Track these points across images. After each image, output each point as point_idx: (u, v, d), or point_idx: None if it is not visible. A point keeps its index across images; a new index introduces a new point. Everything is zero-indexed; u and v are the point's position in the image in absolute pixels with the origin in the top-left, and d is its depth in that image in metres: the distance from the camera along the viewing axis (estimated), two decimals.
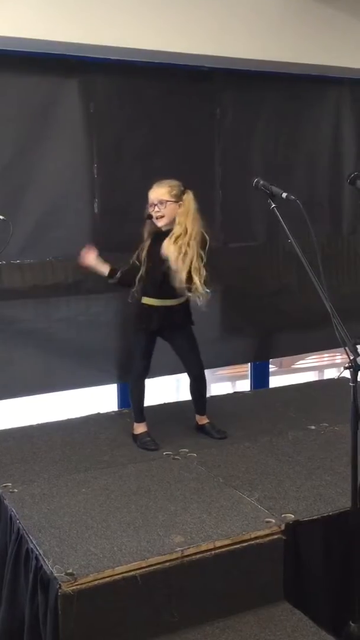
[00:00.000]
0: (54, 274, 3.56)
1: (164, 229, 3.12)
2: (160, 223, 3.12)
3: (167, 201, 3.08)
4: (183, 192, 3.11)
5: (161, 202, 3.08)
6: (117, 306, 3.76)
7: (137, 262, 3.18)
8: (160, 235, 3.13)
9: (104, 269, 3.22)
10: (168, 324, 3.21)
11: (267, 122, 4.08)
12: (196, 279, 3.03)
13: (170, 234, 3.07)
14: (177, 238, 3.05)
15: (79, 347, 3.71)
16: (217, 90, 3.92)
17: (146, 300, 3.19)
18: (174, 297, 3.16)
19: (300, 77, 4.07)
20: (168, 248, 3.04)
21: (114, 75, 3.60)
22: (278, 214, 2.59)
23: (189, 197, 3.11)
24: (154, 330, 3.23)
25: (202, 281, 3.05)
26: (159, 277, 3.11)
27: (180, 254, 3.03)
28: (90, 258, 3.22)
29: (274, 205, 2.62)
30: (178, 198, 3.09)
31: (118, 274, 3.19)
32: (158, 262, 3.10)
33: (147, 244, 3.18)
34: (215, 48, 3.57)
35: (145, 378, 3.32)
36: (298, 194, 2.56)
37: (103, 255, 3.63)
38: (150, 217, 3.12)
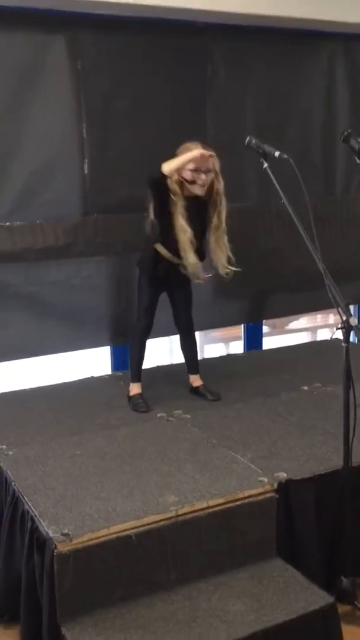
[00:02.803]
0: (44, 237, 3.51)
1: (188, 193, 3.07)
2: (200, 192, 3.06)
3: (211, 171, 3.04)
4: (217, 162, 3.07)
5: (209, 171, 3.03)
6: (109, 269, 3.74)
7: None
8: (194, 201, 3.07)
9: None
10: (173, 277, 3.20)
11: (259, 79, 3.99)
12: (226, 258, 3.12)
13: (221, 217, 3.09)
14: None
15: (71, 310, 3.70)
16: (208, 47, 3.81)
17: (161, 249, 3.15)
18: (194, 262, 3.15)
19: (293, 32, 3.96)
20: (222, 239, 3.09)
21: (102, 31, 3.50)
22: (270, 173, 2.55)
23: (219, 166, 3.08)
24: (159, 278, 3.20)
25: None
26: (190, 243, 3.07)
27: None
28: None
29: (266, 165, 2.58)
30: (215, 168, 3.07)
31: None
32: (195, 231, 3.07)
33: (182, 207, 3.05)
34: (207, 2, 3.46)
35: (146, 337, 3.33)
36: (291, 153, 2.52)
37: (93, 217, 3.61)
38: (188, 181, 3.03)
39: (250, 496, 2.42)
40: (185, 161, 2.98)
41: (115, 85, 3.59)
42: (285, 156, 2.50)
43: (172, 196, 3.03)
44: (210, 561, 2.35)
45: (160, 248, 3.16)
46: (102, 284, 3.75)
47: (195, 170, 3.02)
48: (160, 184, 3.01)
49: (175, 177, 3.03)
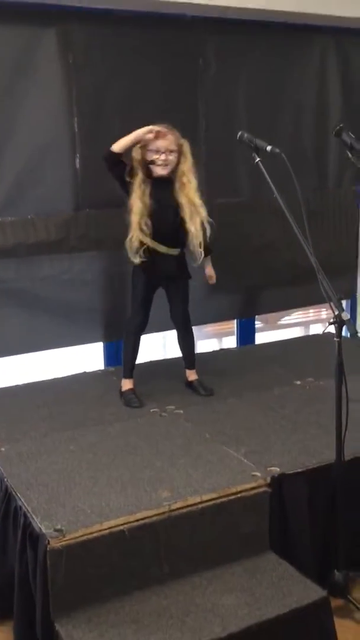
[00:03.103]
0: (35, 232, 3.50)
1: (159, 176, 3.06)
2: (164, 171, 3.06)
3: (175, 151, 3.04)
4: (182, 142, 3.08)
5: (171, 151, 3.03)
6: (101, 264, 3.73)
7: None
8: (159, 182, 3.07)
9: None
10: (165, 268, 3.18)
11: (251, 72, 3.98)
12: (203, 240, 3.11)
13: (191, 195, 3.05)
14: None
15: (64, 305, 3.69)
16: (200, 41, 3.80)
17: (149, 241, 3.12)
18: (175, 247, 3.16)
19: (285, 26, 3.95)
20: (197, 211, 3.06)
21: (93, 24, 3.48)
22: (262, 168, 2.55)
23: (187, 147, 3.09)
24: (150, 270, 3.18)
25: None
26: (167, 226, 3.08)
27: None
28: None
29: (258, 159, 2.58)
30: (181, 147, 3.07)
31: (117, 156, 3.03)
32: (166, 212, 3.07)
33: (146, 185, 3.06)
34: None
35: (141, 333, 3.32)
36: (283, 147, 2.52)
37: (85, 212, 3.60)
38: (151, 162, 3.04)
39: (243, 491, 2.42)
40: (133, 138, 2.99)
41: (106, 79, 3.57)
42: (277, 150, 2.49)
43: (127, 177, 3.04)
44: (204, 556, 2.35)
45: (137, 233, 3.10)
46: (95, 279, 3.74)
47: (156, 151, 3.03)
48: (112, 162, 3.03)
49: (138, 157, 3.04)
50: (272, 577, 2.30)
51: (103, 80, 3.57)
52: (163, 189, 3.07)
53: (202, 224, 3.12)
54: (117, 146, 3.00)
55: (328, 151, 4.30)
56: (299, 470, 2.55)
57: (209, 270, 3.39)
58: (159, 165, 3.05)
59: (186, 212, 3.08)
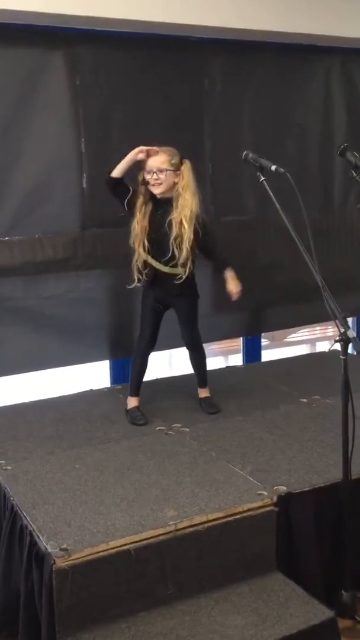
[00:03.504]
0: (43, 251, 3.53)
1: (159, 196, 3.09)
2: (157, 190, 3.07)
3: (167, 170, 3.04)
4: (181, 162, 3.09)
5: (161, 171, 3.04)
6: (108, 282, 3.74)
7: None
8: (161, 203, 3.10)
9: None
10: (173, 289, 3.17)
11: (256, 93, 4.02)
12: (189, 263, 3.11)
13: (183, 214, 3.04)
14: (190, 219, 3.05)
15: (70, 324, 3.70)
16: (205, 61, 3.85)
17: (152, 262, 3.14)
18: (167, 264, 3.13)
19: (289, 46, 4.00)
20: (185, 231, 3.04)
21: (100, 47, 3.53)
22: (267, 187, 2.56)
23: (187, 167, 3.09)
24: (160, 297, 3.21)
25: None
26: (166, 247, 3.08)
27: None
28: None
29: (263, 179, 2.60)
30: (177, 167, 3.07)
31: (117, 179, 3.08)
32: (159, 228, 3.09)
33: (146, 207, 3.11)
34: (203, 17, 3.50)
35: (149, 352, 3.32)
36: (288, 166, 2.54)
37: (92, 230, 3.63)
38: (146, 183, 3.07)
39: (249, 510, 2.41)
40: (127, 160, 3.04)
41: (113, 100, 3.62)
42: (282, 170, 2.51)
43: (126, 206, 3.09)
44: (210, 575, 2.34)
45: (153, 262, 3.13)
46: (101, 297, 3.76)
47: (148, 171, 3.06)
48: (111, 186, 3.09)
49: (140, 178, 3.09)
50: (279, 598, 2.28)
51: (110, 101, 3.61)
52: (164, 210, 3.09)
53: (194, 242, 3.08)
54: (115, 171, 3.05)
55: (333, 170, 4.32)
56: (306, 489, 2.54)
57: (229, 285, 3.23)
58: (152, 185, 3.07)
59: (173, 232, 3.06)
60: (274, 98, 4.08)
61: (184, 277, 3.12)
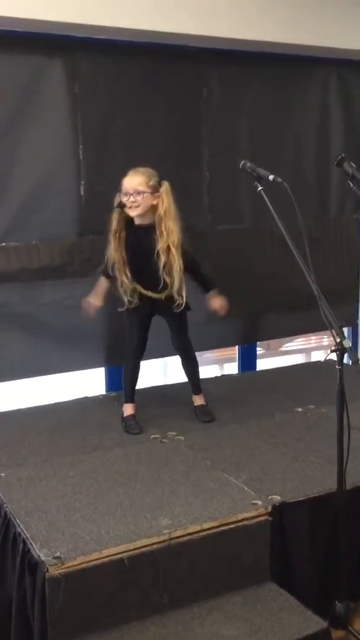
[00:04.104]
0: (39, 257, 3.53)
1: (137, 220, 3.05)
2: (133, 213, 3.01)
3: (144, 192, 2.97)
4: (160, 183, 3.02)
5: (138, 193, 2.96)
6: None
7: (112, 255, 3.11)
8: (137, 228, 3.06)
9: (101, 292, 3.23)
10: (162, 307, 3.18)
11: (254, 103, 4.04)
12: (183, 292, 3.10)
13: (170, 241, 3.00)
14: (177, 246, 3.01)
15: (66, 330, 3.70)
16: (204, 71, 3.87)
17: (147, 292, 3.14)
18: (161, 292, 3.12)
19: (287, 57, 4.03)
20: (174, 259, 3.02)
21: (99, 55, 3.55)
22: (265, 196, 2.57)
23: (166, 189, 3.02)
24: (148, 314, 3.21)
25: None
26: (148, 273, 3.06)
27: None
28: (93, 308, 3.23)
29: (260, 188, 2.61)
30: (155, 189, 3.00)
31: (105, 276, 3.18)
32: (144, 257, 3.05)
33: (121, 234, 3.08)
34: (202, 27, 3.53)
35: (139, 358, 3.31)
36: (285, 176, 2.54)
37: (89, 237, 3.63)
38: (122, 205, 3.01)
39: (244, 519, 2.40)
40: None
41: (111, 108, 3.63)
42: (280, 180, 2.52)
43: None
44: (204, 585, 2.33)
45: (136, 286, 3.14)
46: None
47: (125, 194, 3.00)
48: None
49: (117, 201, 3.06)
50: (273, 608, 2.28)
51: (108, 109, 3.63)
52: (148, 238, 3.04)
53: (180, 269, 3.06)
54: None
55: (330, 180, 4.35)
56: (301, 499, 2.54)
57: (214, 303, 3.27)
58: (128, 207, 3.00)
59: (162, 261, 3.02)
60: (272, 108, 4.10)
61: (182, 305, 3.12)
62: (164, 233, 3.01)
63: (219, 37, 3.60)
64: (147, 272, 3.08)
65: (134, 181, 2.99)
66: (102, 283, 3.24)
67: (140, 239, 3.07)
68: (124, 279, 3.11)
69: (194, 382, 3.46)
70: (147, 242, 3.05)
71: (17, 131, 3.43)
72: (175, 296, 3.11)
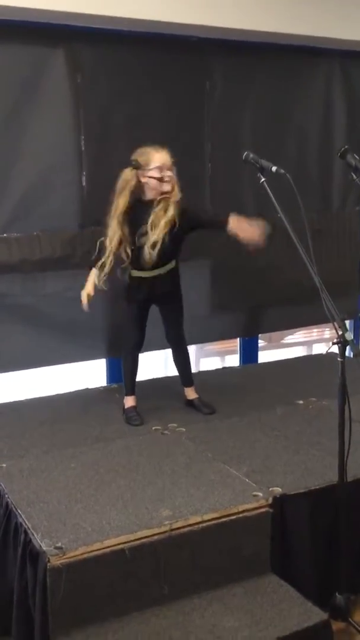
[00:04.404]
0: (41, 248, 3.52)
1: (150, 195, 3.03)
2: (167, 187, 3.00)
3: (173, 169, 3.02)
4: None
5: (170, 169, 3.01)
6: (105, 281, 3.73)
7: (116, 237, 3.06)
8: (141, 204, 3.05)
9: (94, 279, 3.17)
10: (158, 293, 3.18)
11: (257, 94, 4.02)
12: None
13: (182, 204, 2.99)
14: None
15: (67, 322, 3.69)
16: (206, 62, 3.85)
17: (135, 273, 3.15)
18: (162, 266, 3.13)
19: (291, 48, 4.01)
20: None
21: (101, 45, 3.53)
22: (268, 188, 2.56)
23: None
24: (144, 300, 3.21)
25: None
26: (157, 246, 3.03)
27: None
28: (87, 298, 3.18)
29: (263, 179, 2.60)
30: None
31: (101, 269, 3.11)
32: (147, 232, 3.04)
33: (126, 214, 3.03)
34: (205, 17, 3.50)
35: (138, 350, 3.31)
36: (288, 168, 2.54)
37: (90, 229, 3.62)
38: (161, 179, 2.99)
39: (244, 511, 2.41)
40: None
41: (113, 99, 3.62)
42: (282, 171, 2.51)
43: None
44: (204, 576, 2.34)
45: (135, 272, 3.13)
46: (98, 296, 3.74)
47: (160, 169, 3.00)
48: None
49: (132, 185, 3.02)
50: (273, 599, 2.28)
51: (110, 100, 3.61)
52: (144, 212, 3.03)
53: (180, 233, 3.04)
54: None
55: (332, 173, 4.33)
56: (301, 491, 2.54)
57: (245, 232, 3.01)
58: (165, 181, 3.00)
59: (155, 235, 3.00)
60: (274, 99, 4.08)
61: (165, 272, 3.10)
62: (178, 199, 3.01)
63: (221, 27, 3.58)
64: (140, 249, 3.05)
65: (167, 158, 3.01)
66: (93, 275, 3.19)
67: (141, 215, 3.04)
68: (125, 257, 3.08)
69: (187, 374, 3.46)
70: (146, 218, 3.02)
71: (19, 122, 3.41)
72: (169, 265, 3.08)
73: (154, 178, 3.00)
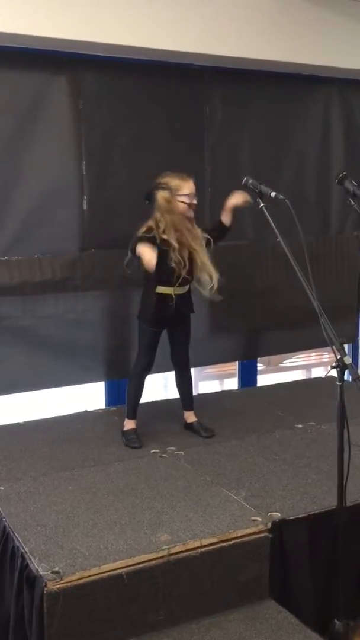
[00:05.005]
0: (41, 271, 3.55)
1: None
2: (192, 214, 3.18)
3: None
4: None
5: (195, 196, 3.16)
6: (105, 303, 3.76)
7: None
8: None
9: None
10: (179, 312, 3.20)
11: (256, 121, 4.08)
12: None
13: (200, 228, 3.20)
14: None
15: (67, 344, 3.70)
16: (206, 89, 3.91)
17: (161, 289, 3.15)
18: (186, 285, 3.20)
19: (289, 76, 4.08)
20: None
21: (103, 72, 3.59)
22: (267, 213, 2.59)
23: None
24: (166, 320, 3.22)
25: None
26: (183, 265, 3.12)
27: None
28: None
29: (262, 205, 2.63)
30: None
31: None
32: (183, 251, 3.12)
33: (176, 234, 3.11)
34: (205, 46, 3.57)
35: (147, 374, 3.32)
36: (287, 193, 2.57)
37: (91, 252, 3.65)
38: (193, 206, 3.14)
39: (243, 536, 2.40)
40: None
41: (114, 124, 3.67)
42: (282, 196, 2.54)
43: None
44: (202, 602, 2.32)
45: (162, 289, 3.15)
46: (98, 318, 3.77)
47: (191, 195, 3.15)
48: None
49: (171, 211, 3.11)
50: (272, 626, 2.26)
51: (111, 125, 3.66)
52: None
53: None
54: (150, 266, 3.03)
55: (331, 198, 4.38)
56: (300, 515, 2.53)
57: (232, 200, 3.26)
58: (192, 208, 3.15)
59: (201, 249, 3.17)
60: (274, 126, 4.14)
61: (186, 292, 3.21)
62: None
63: (222, 55, 3.64)
64: (184, 267, 3.12)
65: (194, 186, 3.15)
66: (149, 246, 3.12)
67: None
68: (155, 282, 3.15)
69: (189, 397, 3.46)
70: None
71: (21, 146, 3.46)
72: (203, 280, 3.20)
73: (185, 203, 3.12)
